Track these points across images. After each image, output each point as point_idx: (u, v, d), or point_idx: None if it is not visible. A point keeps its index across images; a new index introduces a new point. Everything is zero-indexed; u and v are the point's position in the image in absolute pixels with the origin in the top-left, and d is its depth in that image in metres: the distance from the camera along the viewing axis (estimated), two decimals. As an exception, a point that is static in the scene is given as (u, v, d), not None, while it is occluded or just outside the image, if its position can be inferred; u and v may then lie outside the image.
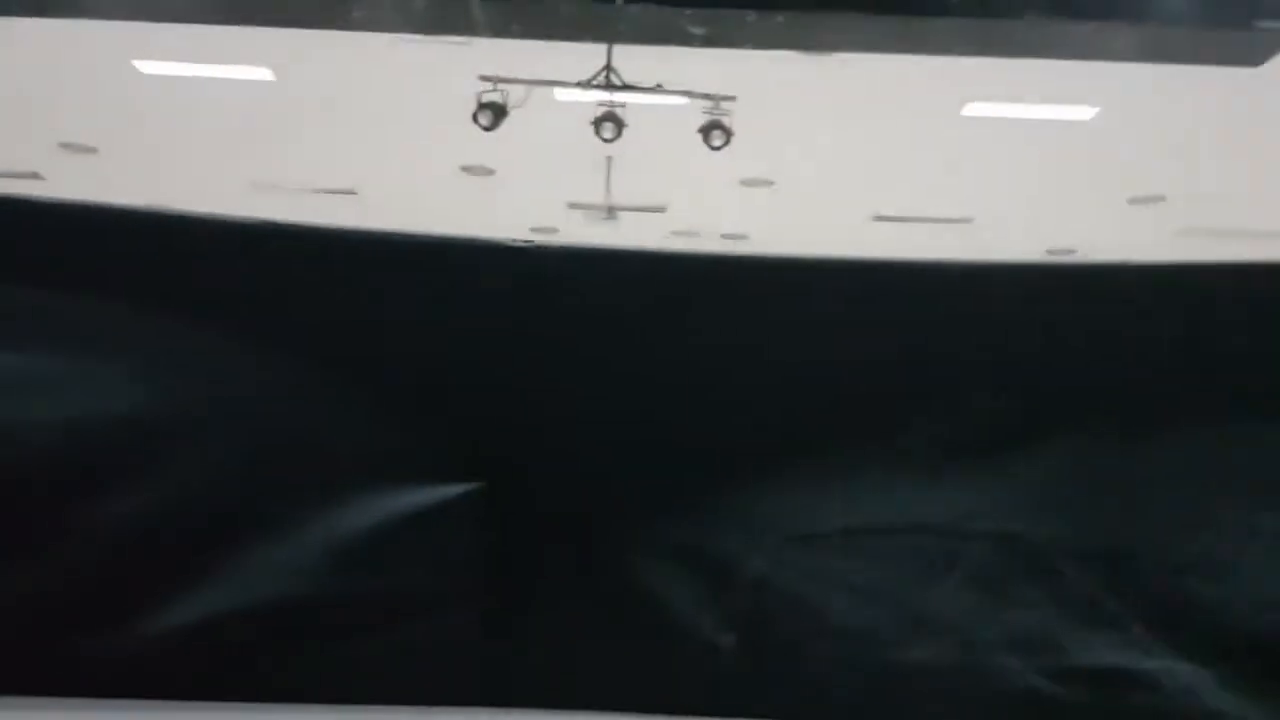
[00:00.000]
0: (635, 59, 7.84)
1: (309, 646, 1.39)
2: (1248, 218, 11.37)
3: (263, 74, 8.94)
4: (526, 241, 1.48)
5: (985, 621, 1.36)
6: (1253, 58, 4.13)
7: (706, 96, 8.80)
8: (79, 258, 1.45)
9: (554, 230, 12.91)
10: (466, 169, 11.03)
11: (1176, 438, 1.40)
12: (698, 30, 4.04)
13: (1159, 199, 11.01)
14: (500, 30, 4.50)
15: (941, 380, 1.47)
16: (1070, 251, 12.74)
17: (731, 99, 8.75)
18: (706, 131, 8.90)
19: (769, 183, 11.06)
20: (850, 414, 1.46)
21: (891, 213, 11.79)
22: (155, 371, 1.44)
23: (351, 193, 11.76)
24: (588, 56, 7.96)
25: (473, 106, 8.66)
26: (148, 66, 8.85)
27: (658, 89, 8.58)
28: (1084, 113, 9.09)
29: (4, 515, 1.42)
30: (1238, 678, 1.32)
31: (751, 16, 3.72)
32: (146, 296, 1.45)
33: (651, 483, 1.44)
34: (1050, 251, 12.78)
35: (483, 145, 9.36)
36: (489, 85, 8.65)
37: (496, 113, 8.73)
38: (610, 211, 11.05)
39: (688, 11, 3.80)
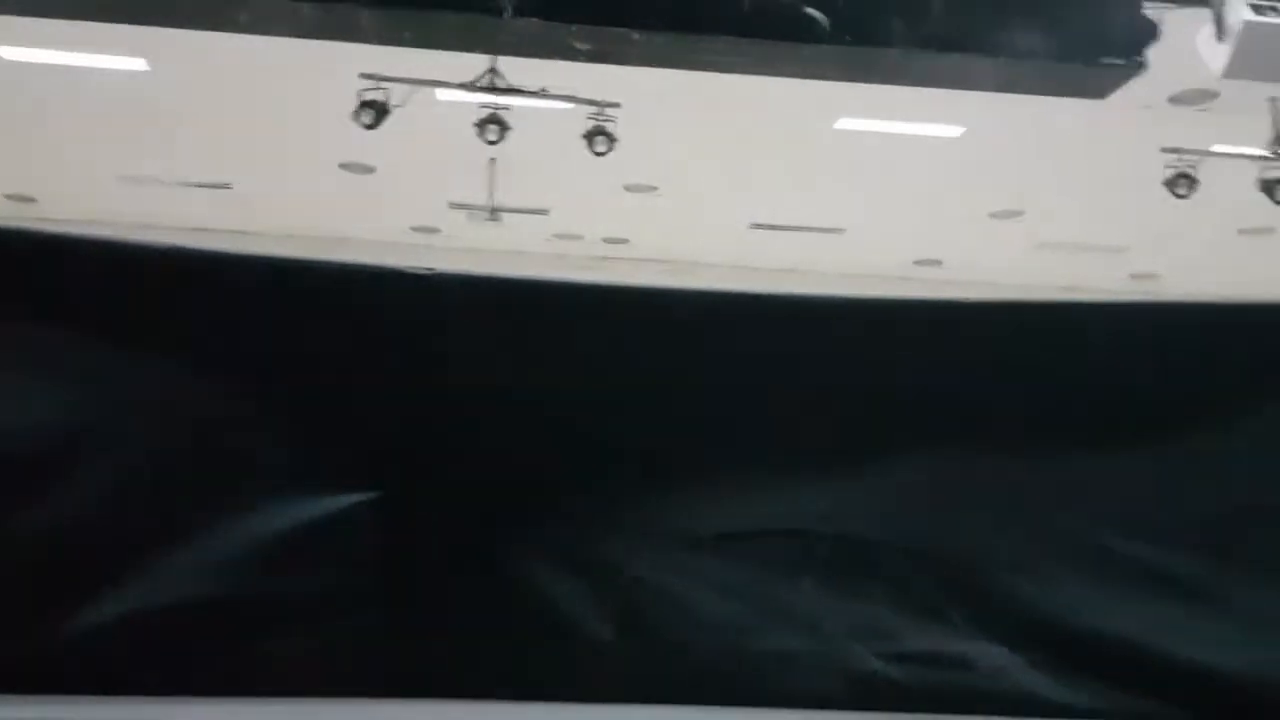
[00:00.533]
0: (521, 61, 7.91)
1: (223, 643, 1.46)
2: (1095, 233, 12.05)
3: (136, 64, 8.71)
4: (427, 269, 1.57)
5: (832, 613, 1.53)
6: (1098, 90, 4.46)
7: (591, 102, 8.91)
8: (5, 282, 1.49)
9: (436, 230, 12.84)
10: (345, 166, 10.89)
11: (1006, 458, 1.59)
12: (583, 46, 4.15)
13: (1018, 214, 11.56)
14: (388, 39, 4.54)
15: (799, 405, 1.62)
16: (936, 263, 13.28)
17: (615, 105, 8.89)
18: (590, 137, 9.00)
19: (651, 189, 11.23)
20: (718, 434, 1.61)
21: (768, 222, 12.10)
22: (76, 388, 1.49)
23: (226, 187, 11.52)
24: (472, 57, 8.00)
25: (354, 104, 8.60)
26: (11, 52, 8.53)
27: (542, 93, 8.65)
28: (951, 131, 9.50)
29: None
30: (1044, 662, 1.51)
31: (636, 35, 3.85)
32: (67, 319, 1.50)
33: (542, 493, 1.56)
34: (917, 262, 13.30)
35: (363, 143, 9.29)
36: (371, 83, 8.60)
37: (378, 111, 8.67)
38: (493, 213, 11.05)
39: (574, 28, 3.92)
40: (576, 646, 1.49)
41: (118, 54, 8.54)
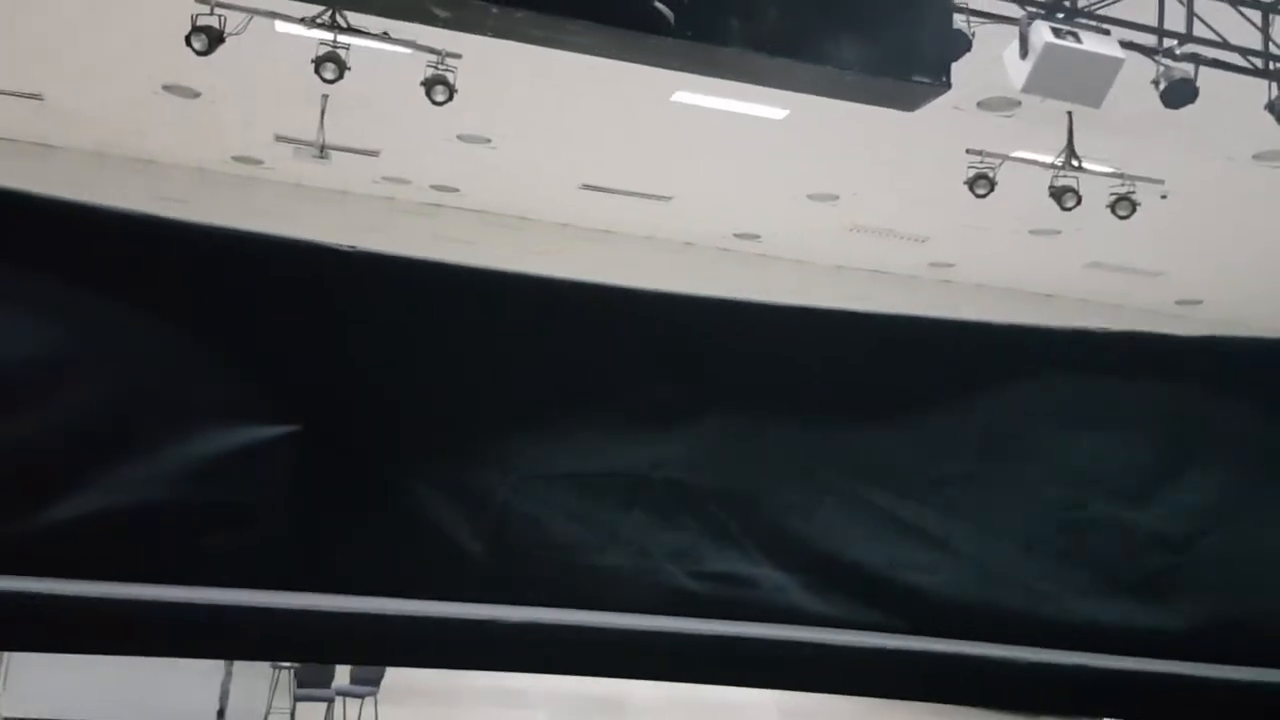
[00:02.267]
0: (364, 3, 7.83)
1: (169, 539, 1.67)
2: (902, 222, 12.87)
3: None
4: (350, 246, 1.82)
5: (655, 539, 1.88)
6: (908, 104, 4.91)
7: (432, 51, 8.93)
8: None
9: (259, 162, 12.54)
10: (169, 88, 10.51)
11: (796, 425, 1.98)
12: (442, 13, 4.28)
13: (834, 198, 12.19)
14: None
15: (640, 379, 1.97)
16: (755, 237, 13.87)
17: (457, 56, 8.93)
18: (430, 85, 9.01)
19: (485, 141, 11.30)
20: (576, 397, 1.94)
21: (598, 184, 12.36)
22: (46, 331, 1.68)
23: (37, 98, 10.94)
24: (314, -9, 7.88)
25: (186, 27, 8.36)
26: None
27: (384, 36, 8.62)
28: (777, 113, 9.97)
29: None
30: (811, 583, 1.91)
31: (494, 9, 4.02)
32: (35, 270, 1.69)
33: (432, 435, 1.85)
34: (738, 235, 13.86)
35: (191, 67, 9.03)
36: (205, 8, 8.38)
37: (212, 38, 8.45)
38: (322, 150, 10.88)
39: (435, -5, 4.07)
40: (453, 557, 1.79)
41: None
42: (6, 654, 7.57)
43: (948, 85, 4.60)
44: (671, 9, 3.99)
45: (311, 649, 1.70)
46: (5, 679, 7.83)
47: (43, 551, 1.57)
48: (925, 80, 4.42)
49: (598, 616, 1.68)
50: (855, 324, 2.06)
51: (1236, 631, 1.86)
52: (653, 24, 4.01)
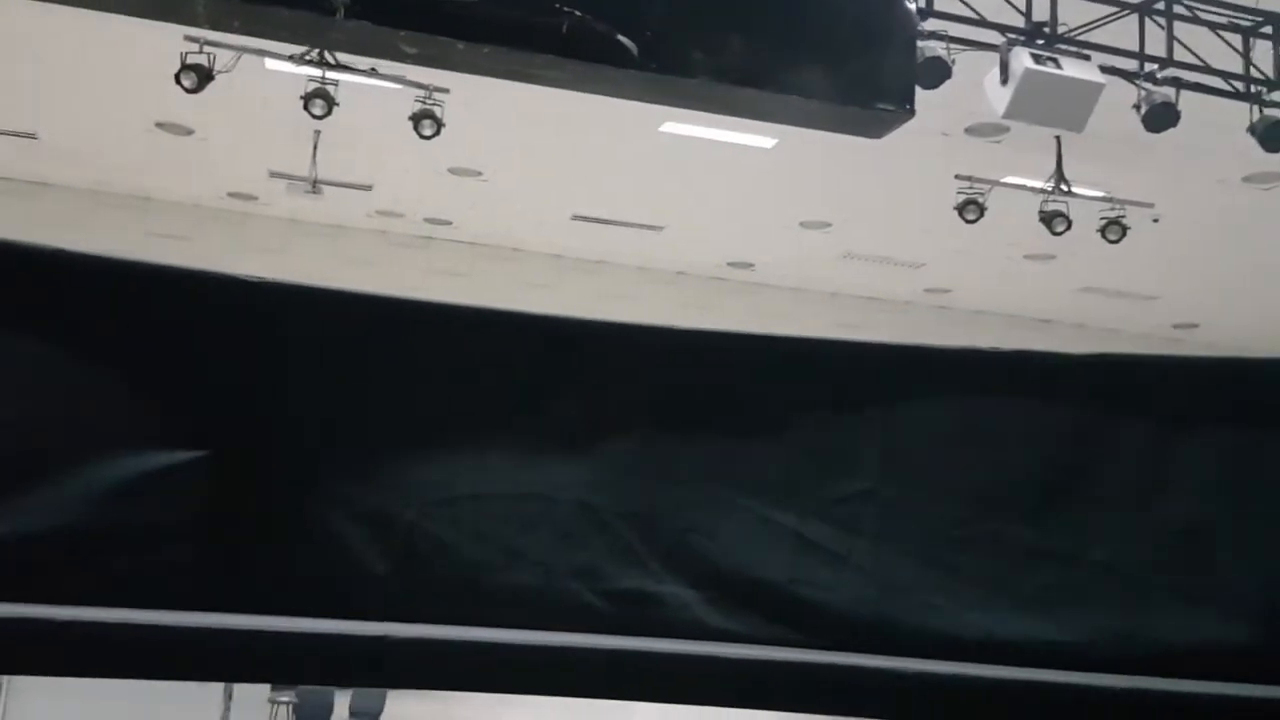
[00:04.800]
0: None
1: (80, 561, 1.71)
2: (896, 248, 12.92)
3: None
4: (259, 277, 1.87)
5: (560, 558, 1.92)
6: (874, 131, 4.96)
7: (420, 86, 9.03)
8: None
9: (253, 198, 12.64)
10: (162, 126, 10.62)
11: (698, 445, 2.02)
12: (410, 50, 4.35)
13: (826, 225, 12.24)
14: (221, 25, 4.60)
15: (538, 398, 2.01)
16: (749, 265, 13.93)
17: (445, 91, 9.03)
18: (418, 120, 9.10)
19: (476, 173, 11.39)
20: (481, 419, 1.99)
21: (589, 214, 12.44)
22: None
23: (32, 137, 11.06)
24: (303, 30, 7.97)
25: (177, 65, 8.46)
26: None
27: (372, 72, 8.71)
28: (765, 142, 10.04)
29: None
30: (714, 600, 1.94)
31: (461, 45, 4.08)
32: None
33: (337, 459, 1.89)
34: (731, 264, 13.92)
35: (183, 105, 9.13)
36: (195, 47, 8.48)
37: (201, 76, 8.54)
38: (315, 185, 10.97)
39: (402, 33, 4.12)
40: (360, 577, 1.83)
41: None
42: (6, 681, 7.60)
43: (911, 112, 4.65)
44: (635, 42, 4.05)
45: (218, 667, 1.74)
46: (5, 705, 7.86)
47: None
48: (889, 108, 4.47)
49: (503, 634, 1.71)
50: (759, 347, 2.11)
51: (1125, 642, 1.90)
52: (617, 57, 4.07)
